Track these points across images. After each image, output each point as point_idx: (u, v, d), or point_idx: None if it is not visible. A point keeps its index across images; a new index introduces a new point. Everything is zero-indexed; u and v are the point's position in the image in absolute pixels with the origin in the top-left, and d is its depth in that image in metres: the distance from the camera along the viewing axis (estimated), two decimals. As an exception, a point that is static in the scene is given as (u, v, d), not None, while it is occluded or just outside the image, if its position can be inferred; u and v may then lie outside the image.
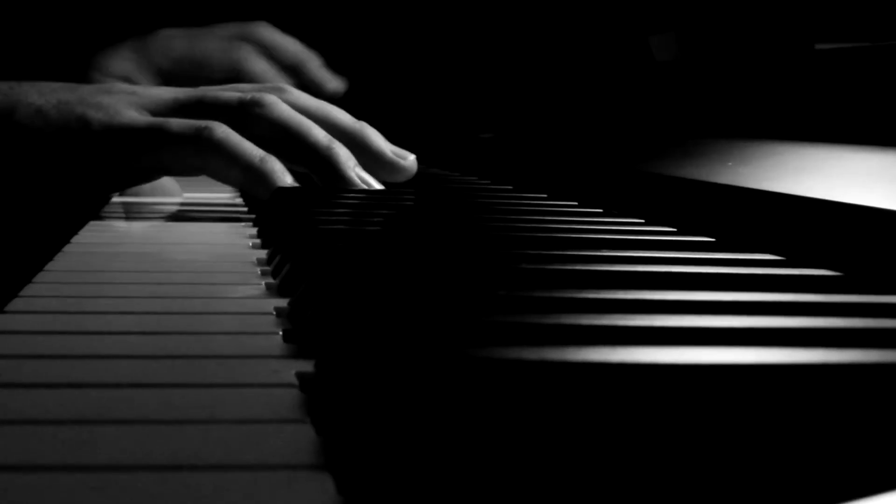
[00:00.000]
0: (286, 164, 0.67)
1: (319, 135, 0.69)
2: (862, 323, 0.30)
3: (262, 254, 0.51)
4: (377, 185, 0.71)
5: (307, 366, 0.30)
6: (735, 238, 0.47)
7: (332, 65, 1.34)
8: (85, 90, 0.70)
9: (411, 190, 0.72)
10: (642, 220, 0.55)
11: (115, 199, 0.77)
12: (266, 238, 0.57)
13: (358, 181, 0.70)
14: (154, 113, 0.69)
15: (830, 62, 0.60)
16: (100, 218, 0.66)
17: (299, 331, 0.34)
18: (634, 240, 0.47)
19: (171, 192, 0.85)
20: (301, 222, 0.49)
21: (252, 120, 0.68)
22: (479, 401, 0.22)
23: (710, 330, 0.28)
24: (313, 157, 0.68)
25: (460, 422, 0.21)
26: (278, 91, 0.72)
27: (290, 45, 1.02)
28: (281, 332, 0.34)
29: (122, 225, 0.64)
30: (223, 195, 0.87)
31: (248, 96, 0.69)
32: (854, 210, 0.40)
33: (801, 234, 0.43)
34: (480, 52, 1.25)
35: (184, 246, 0.55)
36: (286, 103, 0.70)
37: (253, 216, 0.69)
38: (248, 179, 0.65)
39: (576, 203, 0.64)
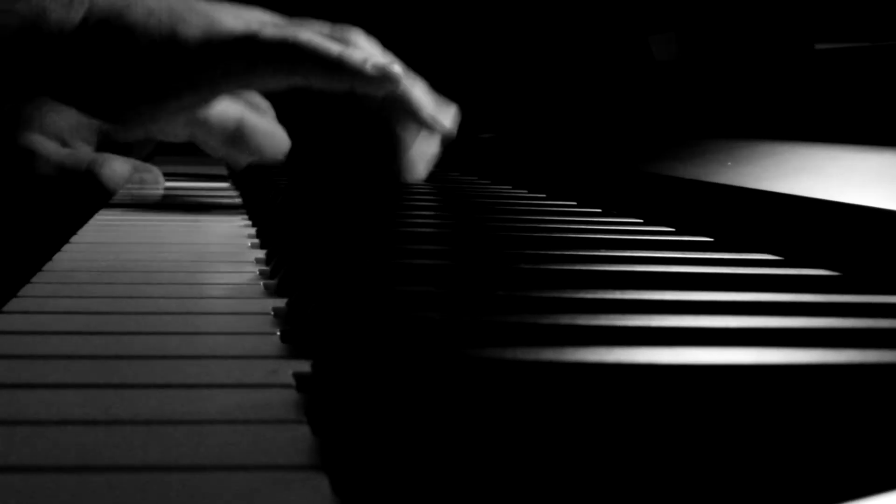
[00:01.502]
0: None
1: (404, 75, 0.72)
2: (860, 323, 0.30)
3: (261, 253, 0.51)
4: (446, 126, 0.74)
5: (305, 366, 0.30)
6: (734, 238, 0.47)
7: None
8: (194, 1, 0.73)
9: (411, 190, 0.72)
10: (641, 220, 0.55)
11: (120, 193, 0.77)
12: (264, 237, 0.57)
13: (438, 121, 0.74)
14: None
15: (830, 62, 0.60)
16: (97, 218, 0.66)
17: (297, 331, 0.34)
18: (633, 240, 0.47)
19: (281, 142, 0.86)
20: (300, 222, 0.49)
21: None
22: (477, 401, 0.22)
23: (709, 330, 0.28)
24: (399, 88, 0.72)
25: (457, 422, 0.21)
26: (354, 35, 0.75)
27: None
28: (279, 333, 0.34)
29: (120, 224, 0.64)
30: (223, 188, 0.87)
31: (338, 32, 0.73)
32: (853, 210, 0.40)
33: (800, 234, 0.43)
34: (480, 52, 1.24)
35: (182, 245, 0.55)
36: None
37: (250, 214, 0.69)
38: (335, 77, 0.69)
39: (575, 203, 0.64)
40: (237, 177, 0.99)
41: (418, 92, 0.74)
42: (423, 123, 0.74)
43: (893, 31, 0.56)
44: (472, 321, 0.28)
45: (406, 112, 0.74)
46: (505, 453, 0.20)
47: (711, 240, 0.47)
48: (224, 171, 1.07)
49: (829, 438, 0.21)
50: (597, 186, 0.67)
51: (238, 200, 0.80)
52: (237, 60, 0.70)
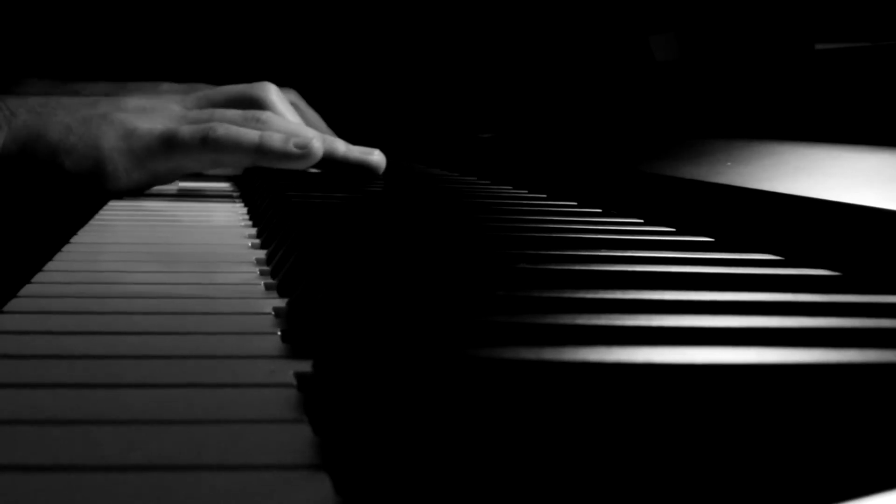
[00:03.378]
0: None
1: (316, 142, 0.78)
2: (861, 323, 0.30)
3: (262, 254, 0.51)
4: (374, 161, 0.81)
5: (305, 366, 0.30)
6: (734, 238, 0.47)
7: (335, 68, 1.34)
8: (104, 104, 0.79)
9: (412, 190, 0.72)
10: (641, 220, 0.55)
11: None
12: (265, 238, 0.57)
13: (366, 160, 0.81)
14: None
15: (830, 62, 0.60)
16: (97, 218, 0.66)
17: (298, 331, 0.34)
18: (633, 240, 0.47)
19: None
20: (300, 223, 0.49)
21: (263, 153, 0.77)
22: (477, 400, 0.22)
23: (709, 330, 0.28)
24: (288, 167, 0.78)
25: (458, 422, 0.21)
26: (264, 98, 0.83)
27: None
28: (279, 333, 0.34)
29: (119, 225, 0.64)
30: (223, 188, 0.87)
31: (250, 114, 0.79)
32: (853, 210, 0.40)
33: (800, 234, 0.43)
34: (480, 52, 1.24)
35: (182, 246, 0.55)
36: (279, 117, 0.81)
37: (250, 214, 0.69)
38: (260, 159, 0.76)
39: (575, 203, 0.64)
40: (238, 177, 0.99)
41: (341, 148, 0.81)
42: (350, 168, 0.81)
43: (893, 31, 0.56)
44: (472, 321, 0.28)
45: (336, 162, 0.81)
46: (506, 453, 0.20)
47: (712, 240, 0.47)
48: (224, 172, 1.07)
49: (829, 438, 0.21)
50: (597, 186, 0.67)
51: (238, 201, 0.80)
52: (161, 160, 0.76)
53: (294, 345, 0.33)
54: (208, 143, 0.75)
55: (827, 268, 0.39)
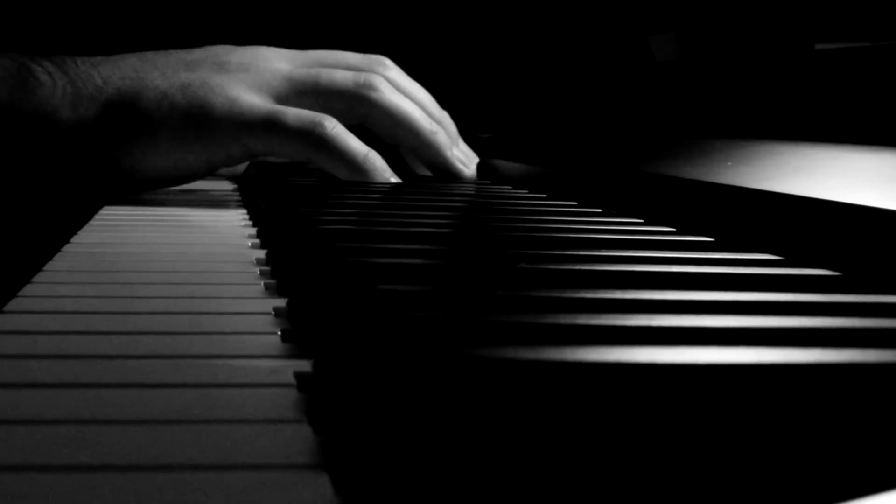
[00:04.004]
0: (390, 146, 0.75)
1: (424, 121, 0.77)
2: (861, 323, 0.30)
3: (261, 253, 0.51)
4: (468, 173, 0.79)
5: (305, 365, 0.30)
6: (734, 238, 0.47)
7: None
8: (205, 66, 0.73)
9: (411, 190, 0.72)
10: (641, 220, 0.55)
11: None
12: (265, 237, 0.57)
13: (458, 165, 0.79)
14: (270, 95, 0.73)
15: (830, 62, 0.60)
16: (98, 218, 0.66)
17: (298, 330, 0.34)
18: (633, 240, 0.47)
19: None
20: (300, 222, 0.49)
21: (362, 103, 0.74)
22: (477, 401, 0.22)
23: (709, 330, 0.28)
24: (418, 141, 0.77)
25: (458, 422, 0.21)
26: (383, 67, 0.78)
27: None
28: (279, 332, 0.34)
29: (120, 224, 0.64)
30: (224, 188, 0.87)
31: (362, 78, 0.75)
32: (853, 210, 0.40)
33: (801, 234, 0.43)
34: (480, 52, 1.24)
35: (182, 246, 0.55)
36: (391, 84, 0.76)
37: (250, 214, 0.69)
38: (353, 174, 0.72)
39: (575, 203, 0.64)
40: (238, 177, 0.99)
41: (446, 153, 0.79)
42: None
43: (893, 31, 0.56)
44: (472, 321, 0.28)
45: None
46: (505, 453, 0.20)
47: (712, 240, 0.47)
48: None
49: (829, 438, 0.21)
50: (597, 186, 0.67)
51: (239, 201, 0.80)
52: (259, 142, 0.72)
53: (294, 344, 0.33)
54: (311, 138, 0.71)
55: (827, 268, 0.39)
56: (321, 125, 0.71)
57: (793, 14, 0.65)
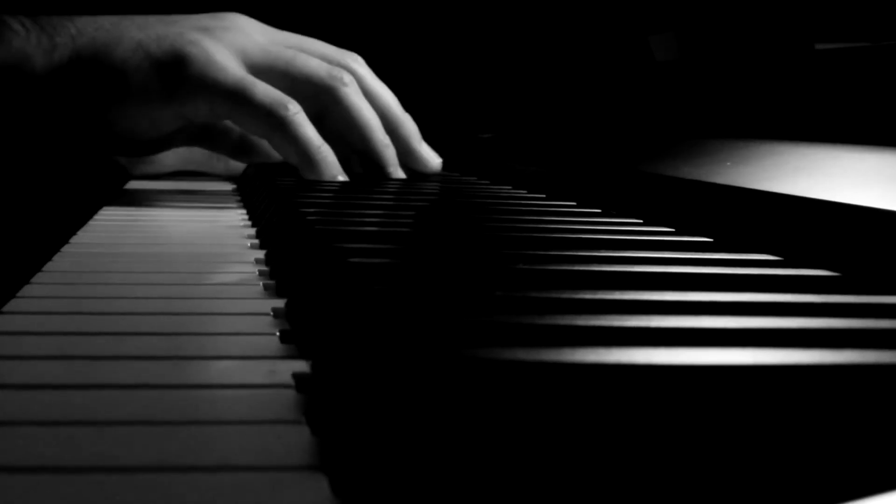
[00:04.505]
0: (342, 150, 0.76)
1: (378, 133, 0.78)
2: (860, 323, 0.30)
3: (261, 254, 0.51)
4: (403, 176, 0.81)
5: (304, 366, 0.30)
6: (733, 238, 0.47)
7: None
8: (184, 23, 0.74)
9: (410, 190, 0.72)
10: (640, 221, 0.55)
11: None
12: (264, 238, 0.57)
13: (393, 177, 0.80)
14: (244, 62, 0.74)
15: (830, 62, 0.60)
16: (97, 218, 0.66)
17: (296, 331, 0.34)
18: (632, 240, 0.47)
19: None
20: (299, 222, 0.49)
21: (329, 96, 0.76)
22: (476, 401, 0.22)
23: (708, 330, 0.28)
24: (370, 151, 0.79)
25: (456, 422, 0.21)
26: (355, 62, 0.80)
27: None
28: (278, 333, 0.34)
29: (119, 225, 0.64)
30: (224, 188, 0.87)
31: (335, 71, 0.76)
32: (852, 210, 0.40)
33: (800, 235, 0.43)
34: (480, 51, 1.24)
35: (181, 246, 0.55)
36: (360, 84, 0.78)
37: (250, 215, 0.69)
38: (302, 162, 0.73)
39: (574, 203, 0.64)
40: (237, 177, 0.99)
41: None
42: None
43: (893, 31, 0.56)
44: (471, 321, 0.28)
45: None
46: (503, 454, 0.20)
47: (711, 240, 0.47)
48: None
49: (828, 439, 0.21)
50: (596, 187, 0.67)
51: (238, 201, 0.80)
52: (222, 106, 0.72)
53: (293, 345, 0.33)
54: (273, 119, 0.71)
55: (826, 268, 0.39)
56: (285, 107, 0.72)
57: (793, 14, 0.65)
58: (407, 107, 0.85)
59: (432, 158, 0.84)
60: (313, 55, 0.78)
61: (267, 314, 0.37)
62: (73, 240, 0.55)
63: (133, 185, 0.91)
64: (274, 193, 0.66)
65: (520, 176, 0.80)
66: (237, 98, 0.71)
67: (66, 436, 0.24)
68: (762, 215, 0.46)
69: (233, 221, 0.67)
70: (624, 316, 0.29)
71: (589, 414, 0.22)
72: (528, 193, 0.72)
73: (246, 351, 0.32)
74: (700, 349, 0.26)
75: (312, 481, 0.22)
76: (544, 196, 0.69)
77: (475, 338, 0.27)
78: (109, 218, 0.67)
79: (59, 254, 0.50)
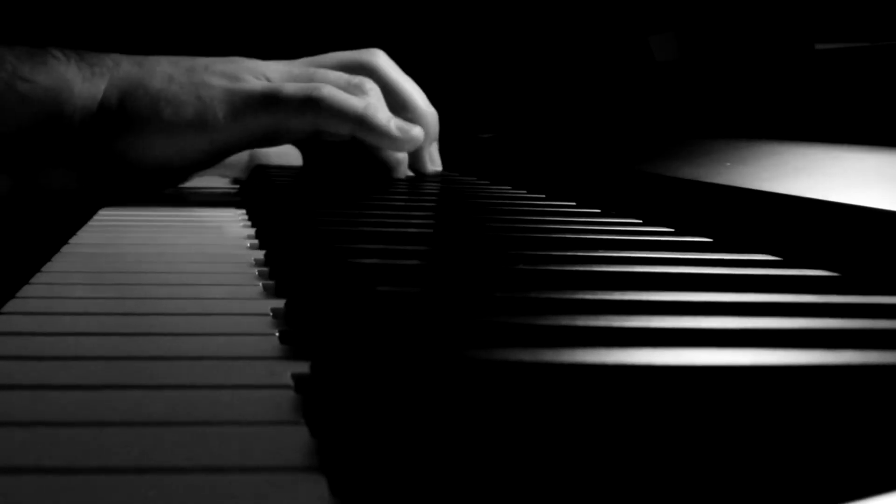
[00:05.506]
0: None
1: (392, 140, 0.77)
2: (859, 324, 0.30)
3: (260, 254, 0.51)
4: (410, 174, 0.81)
5: (303, 367, 0.30)
6: (732, 238, 0.47)
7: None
8: (209, 61, 0.77)
9: (411, 190, 0.72)
10: (640, 221, 0.55)
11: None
12: (263, 238, 0.57)
13: (402, 175, 0.80)
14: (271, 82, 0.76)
15: (830, 62, 0.60)
16: (96, 218, 0.66)
17: (296, 332, 0.34)
18: (632, 240, 0.47)
19: (293, 160, 0.93)
20: (298, 223, 0.49)
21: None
22: (475, 402, 0.22)
23: (708, 331, 0.28)
24: (381, 156, 0.78)
25: (455, 423, 0.21)
26: (375, 57, 0.80)
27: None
28: (277, 334, 0.34)
29: (118, 225, 0.64)
30: (224, 188, 0.87)
31: (355, 80, 0.77)
32: (852, 210, 0.40)
33: (799, 235, 0.43)
34: (481, 52, 1.24)
35: (180, 246, 0.55)
36: (381, 78, 0.79)
37: (250, 215, 0.69)
38: (356, 128, 0.74)
39: (574, 203, 0.64)
40: (237, 177, 0.99)
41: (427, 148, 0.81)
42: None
43: (893, 31, 0.56)
44: (470, 322, 0.28)
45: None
46: (503, 455, 0.20)
47: (710, 240, 0.47)
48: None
49: (828, 439, 0.21)
50: (596, 187, 0.67)
51: (238, 201, 0.80)
52: (263, 116, 0.73)
53: (292, 346, 0.33)
54: (310, 103, 0.73)
55: (826, 268, 0.39)
56: (317, 89, 0.73)
57: (793, 14, 0.65)
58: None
59: (435, 164, 0.84)
60: (332, 67, 0.80)
61: (266, 314, 0.37)
62: (73, 240, 0.55)
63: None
64: (273, 193, 0.66)
65: (520, 176, 0.80)
66: (269, 103, 0.73)
67: (65, 436, 0.24)
68: (762, 215, 0.46)
69: (232, 221, 0.67)
70: (624, 316, 0.29)
71: (589, 414, 0.22)
72: (527, 193, 0.72)
73: (245, 351, 0.32)
74: (700, 349, 0.26)
75: (311, 482, 0.22)
76: (544, 196, 0.69)
77: (475, 338, 0.27)
78: (109, 218, 0.67)
79: (58, 254, 0.50)
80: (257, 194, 0.74)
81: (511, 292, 0.32)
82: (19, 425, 0.25)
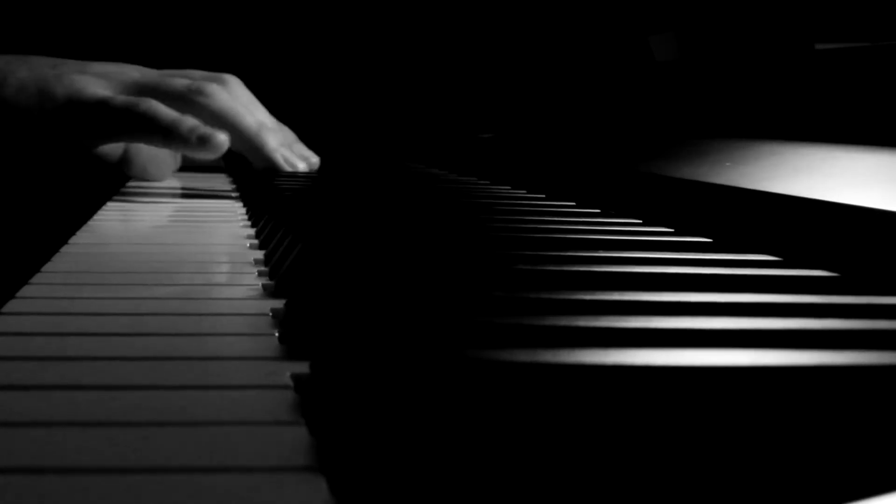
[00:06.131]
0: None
1: (250, 120, 0.84)
2: (859, 324, 0.30)
3: (260, 254, 0.51)
4: (303, 167, 0.87)
5: (303, 367, 0.30)
6: (732, 239, 0.47)
7: (335, 67, 1.34)
8: (68, 67, 0.83)
9: (411, 190, 0.72)
10: (640, 221, 0.55)
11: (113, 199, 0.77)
12: (263, 238, 0.57)
13: (283, 163, 0.86)
14: (117, 92, 0.83)
15: (830, 62, 0.60)
16: (96, 219, 0.66)
17: (295, 332, 0.34)
18: (631, 240, 0.47)
19: (165, 164, 0.96)
20: (299, 223, 0.49)
21: (195, 107, 0.82)
22: (474, 402, 0.22)
23: (707, 331, 0.28)
24: (245, 141, 0.84)
25: (455, 423, 0.21)
26: (221, 82, 0.86)
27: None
28: (277, 334, 0.34)
29: (119, 225, 0.64)
30: (224, 188, 0.87)
31: (195, 85, 0.83)
32: (851, 210, 0.40)
33: (799, 235, 0.43)
34: (480, 52, 1.24)
35: (180, 247, 0.55)
36: (229, 94, 0.85)
37: (250, 215, 0.69)
38: (168, 139, 0.79)
39: (574, 203, 0.64)
40: (238, 177, 0.99)
41: (271, 143, 0.85)
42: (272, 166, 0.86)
43: (893, 31, 0.56)
44: (470, 322, 0.28)
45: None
46: (503, 455, 0.20)
47: (710, 240, 0.47)
48: (224, 167, 1.07)
49: (828, 439, 0.21)
50: (596, 187, 0.67)
51: (238, 200, 0.80)
52: (93, 124, 0.80)
53: (291, 346, 0.33)
54: (129, 113, 0.79)
55: (825, 269, 0.39)
56: (139, 103, 0.80)
57: (793, 14, 0.65)
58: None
59: (304, 160, 0.88)
60: (184, 78, 0.86)
61: (266, 315, 0.37)
62: (73, 240, 0.55)
63: (133, 185, 0.91)
64: (273, 193, 0.66)
65: (519, 176, 0.80)
66: (100, 110, 0.80)
67: (64, 436, 0.24)
68: (761, 216, 0.46)
69: (232, 221, 0.67)
70: (623, 317, 0.29)
71: (589, 415, 0.22)
72: (527, 193, 0.72)
73: (245, 352, 0.32)
74: (699, 350, 0.26)
75: (311, 482, 0.22)
76: (544, 196, 0.69)
77: (475, 339, 0.27)
78: (109, 218, 0.67)
79: (58, 254, 0.50)
80: (256, 193, 0.74)
81: (510, 292, 0.32)
82: (19, 425, 0.25)
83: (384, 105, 1.37)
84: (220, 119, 0.83)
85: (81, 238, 0.57)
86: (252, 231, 0.61)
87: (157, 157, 0.94)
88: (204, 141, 0.79)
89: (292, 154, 0.88)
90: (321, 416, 0.25)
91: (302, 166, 0.87)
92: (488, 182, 0.84)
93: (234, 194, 0.86)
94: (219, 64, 0.96)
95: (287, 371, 0.30)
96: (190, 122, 0.80)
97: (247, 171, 0.95)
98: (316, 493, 0.21)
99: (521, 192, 0.73)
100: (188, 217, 0.70)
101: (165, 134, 0.79)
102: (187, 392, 0.28)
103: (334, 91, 1.33)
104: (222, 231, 0.62)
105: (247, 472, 0.22)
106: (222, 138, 0.79)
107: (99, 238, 0.57)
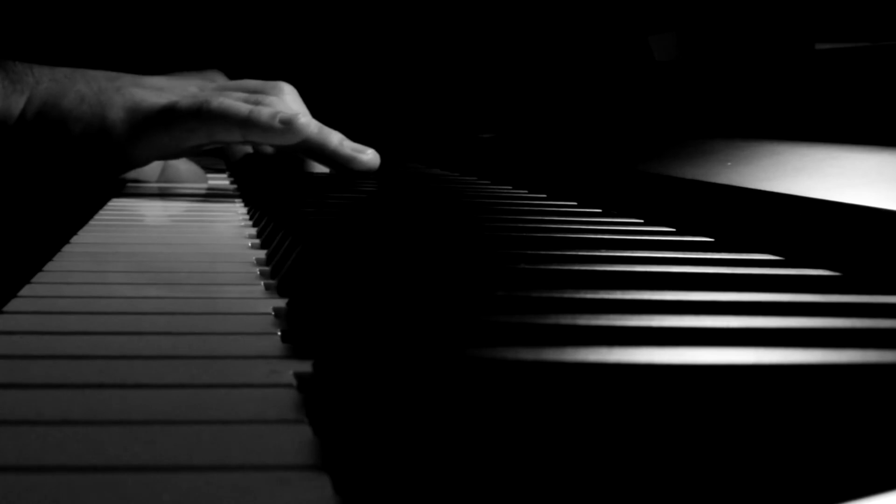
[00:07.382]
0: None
1: (312, 124, 0.82)
2: (861, 323, 0.30)
3: (262, 254, 0.51)
4: (367, 157, 0.84)
5: (306, 366, 0.30)
6: (734, 238, 0.47)
7: (335, 67, 1.34)
8: (125, 80, 0.83)
9: (412, 190, 0.72)
10: (641, 220, 0.55)
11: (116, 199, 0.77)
12: (265, 237, 0.57)
13: (350, 154, 0.84)
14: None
15: (830, 62, 0.60)
16: (97, 219, 0.66)
17: (298, 331, 0.34)
18: (633, 240, 0.47)
19: (199, 177, 0.97)
20: (300, 223, 0.49)
21: (253, 132, 0.80)
22: (477, 401, 0.22)
23: (709, 330, 0.28)
24: (308, 142, 0.82)
25: (458, 422, 0.21)
26: (278, 91, 0.85)
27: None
28: (279, 333, 0.34)
29: (120, 226, 0.64)
30: (225, 188, 0.87)
31: (254, 96, 0.82)
32: (853, 210, 0.40)
33: (800, 235, 0.43)
34: (480, 52, 1.25)
35: (182, 246, 0.55)
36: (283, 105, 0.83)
37: (251, 215, 0.69)
38: (248, 132, 0.78)
39: (575, 203, 0.64)
40: (238, 177, 0.99)
41: (334, 140, 0.84)
42: (341, 163, 0.84)
43: (893, 31, 0.56)
44: (472, 321, 0.28)
45: (324, 156, 0.84)
46: (505, 453, 0.20)
47: (712, 240, 0.47)
48: (224, 167, 1.07)
49: (829, 438, 0.21)
50: (597, 186, 0.67)
51: (239, 200, 0.80)
52: (161, 131, 0.80)
53: (294, 345, 0.33)
54: (201, 114, 0.78)
55: (827, 268, 0.39)
56: (208, 100, 0.79)
57: (793, 14, 0.65)
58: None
59: (361, 151, 0.87)
60: (238, 90, 0.85)
61: (268, 314, 0.37)
62: (74, 239, 0.55)
63: (133, 185, 0.91)
64: (273, 193, 0.66)
65: (520, 176, 0.80)
66: (165, 116, 0.79)
67: (65, 435, 0.24)
68: (763, 215, 0.46)
69: (233, 221, 0.67)
70: (625, 315, 0.29)
71: (591, 413, 0.22)
72: (528, 193, 0.72)
73: (247, 350, 0.32)
74: (701, 349, 0.26)
75: (314, 481, 0.22)
76: (545, 196, 0.69)
77: (477, 338, 0.27)
78: (110, 218, 0.67)
79: (59, 253, 0.50)
80: (257, 192, 0.74)
81: (513, 291, 0.32)
82: (22, 424, 0.25)
83: (384, 105, 1.37)
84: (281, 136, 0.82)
85: (83, 237, 0.57)
86: (254, 230, 0.61)
87: (193, 175, 0.94)
88: (288, 123, 0.78)
89: (354, 148, 0.86)
90: (324, 414, 0.25)
91: (366, 157, 0.86)
92: (489, 182, 0.84)
93: (234, 194, 0.86)
94: (219, 64, 0.96)
95: (290, 370, 0.30)
96: (268, 108, 0.79)
97: (247, 170, 0.95)
98: (320, 491, 0.21)
99: (523, 192, 0.73)
100: (190, 216, 0.70)
101: (243, 124, 0.78)
102: (189, 391, 0.28)
103: (334, 91, 1.34)
104: (224, 230, 0.62)
105: (249, 470, 0.22)
106: (304, 120, 0.79)
107: (100, 237, 0.58)
